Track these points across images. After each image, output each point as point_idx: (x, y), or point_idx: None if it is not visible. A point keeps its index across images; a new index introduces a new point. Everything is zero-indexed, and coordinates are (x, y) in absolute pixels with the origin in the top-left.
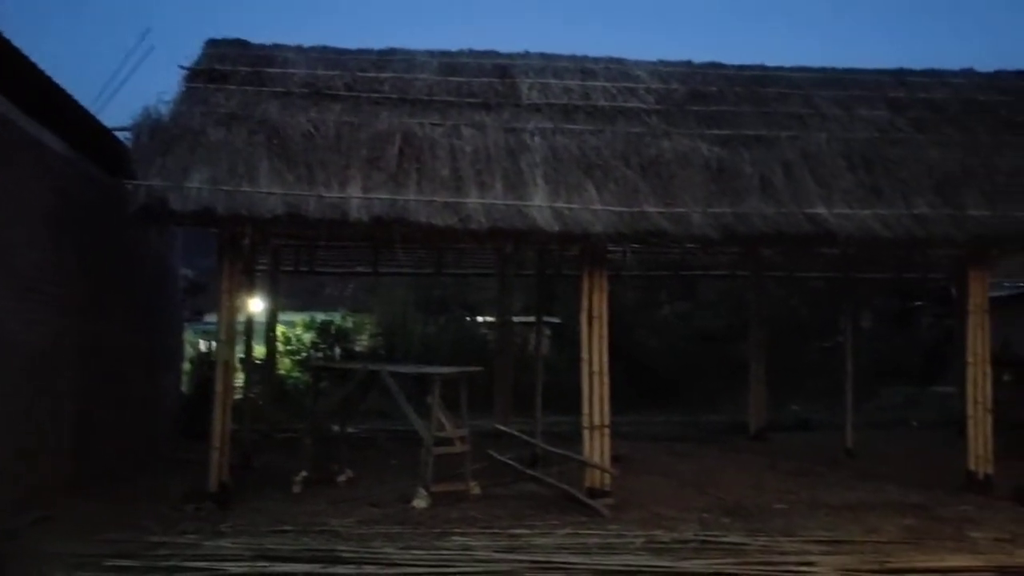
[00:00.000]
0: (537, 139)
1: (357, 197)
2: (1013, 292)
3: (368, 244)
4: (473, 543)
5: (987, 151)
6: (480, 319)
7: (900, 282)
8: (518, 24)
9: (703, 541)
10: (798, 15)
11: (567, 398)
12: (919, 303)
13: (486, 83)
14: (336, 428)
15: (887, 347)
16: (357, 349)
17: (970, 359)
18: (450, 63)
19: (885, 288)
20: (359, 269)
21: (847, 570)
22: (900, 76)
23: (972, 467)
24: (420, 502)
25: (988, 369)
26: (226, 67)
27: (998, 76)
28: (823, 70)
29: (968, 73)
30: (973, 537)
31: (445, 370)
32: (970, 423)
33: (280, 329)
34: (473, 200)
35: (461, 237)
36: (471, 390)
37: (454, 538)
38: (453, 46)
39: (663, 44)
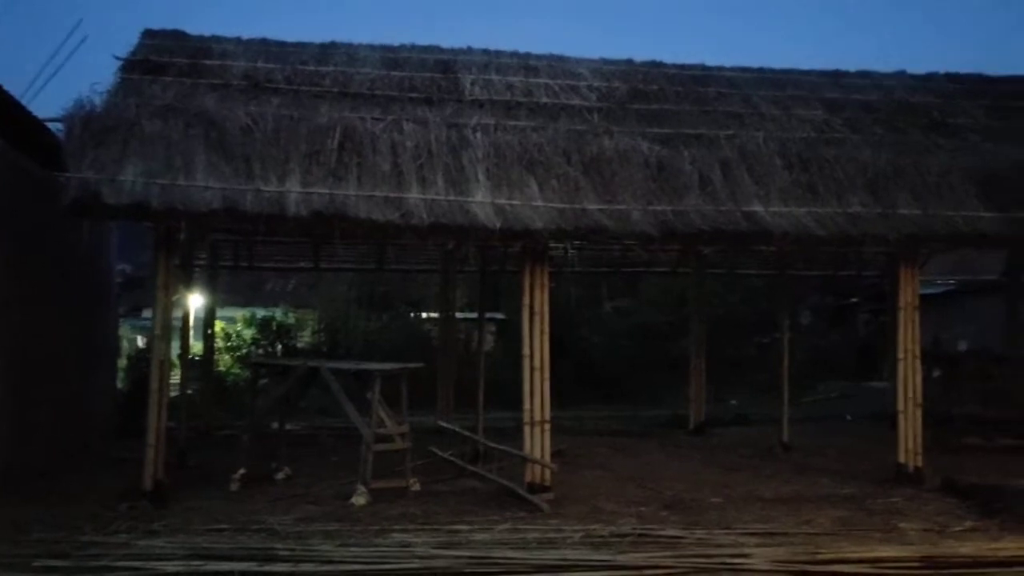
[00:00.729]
0: (479, 135)
1: (296, 192)
2: (945, 289)
3: (309, 239)
4: (412, 539)
5: (918, 151)
6: (424, 315)
7: (836, 280)
8: (517, 25)
9: (641, 535)
10: (801, 17)
11: (510, 394)
12: (854, 300)
13: (429, 78)
14: (275, 425)
15: (824, 343)
16: (299, 345)
17: (901, 355)
18: (392, 57)
19: (822, 286)
20: (300, 265)
21: (780, 562)
22: (836, 77)
23: (902, 460)
24: (359, 499)
25: (918, 364)
26: (163, 58)
27: (929, 79)
28: (762, 71)
29: (900, 75)
30: (902, 528)
31: (386, 366)
32: (900, 417)
33: (220, 325)
34: (414, 196)
35: (402, 233)
36: (414, 386)
37: (393, 535)
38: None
39: (663, 46)
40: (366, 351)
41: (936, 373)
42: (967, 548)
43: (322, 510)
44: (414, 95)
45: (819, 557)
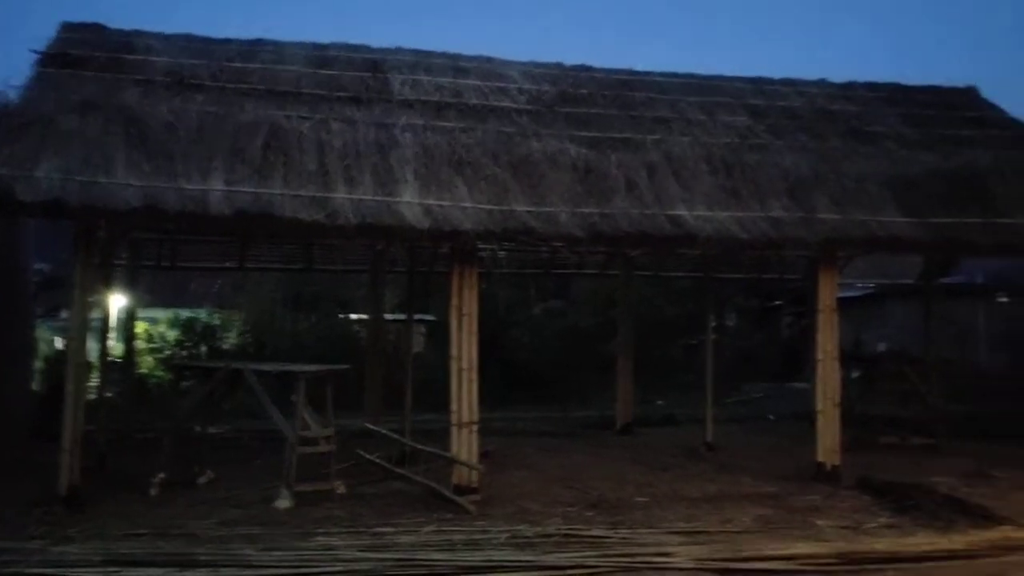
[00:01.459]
0: (408, 135)
1: (219, 190)
2: (865, 292)
3: (234, 239)
4: (336, 542)
5: (837, 157)
6: (353, 316)
7: (760, 282)
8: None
9: (566, 535)
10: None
11: (441, 395)
12: (778, 303)
13: (357, 77)
14: (198, 428)
15: (748, 344)
16: (225, 347)
17: (820, 356)
18: (320, 56)
19: (746, 288)
20: (226, 265)
21: (702, 560)
22: (759, 84)
23: (821, 459)
24: (283, 502)
25: (837, 366)
26: (82, 52)
27: (849, 87)
28: (689, 76)
29: (822, 83)
30: (820, 525)
31: (310, 368)
32: (820, 417)
33: (142, 326)
34: (341, 195)
35: (329, 233)
36: (342, 389)
37: (317, 538)
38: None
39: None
40: (294, 353)
41: (856, 374)
42: (881, 544)
43: (245, 514)
44: (342, 94)
45: (740, 555)
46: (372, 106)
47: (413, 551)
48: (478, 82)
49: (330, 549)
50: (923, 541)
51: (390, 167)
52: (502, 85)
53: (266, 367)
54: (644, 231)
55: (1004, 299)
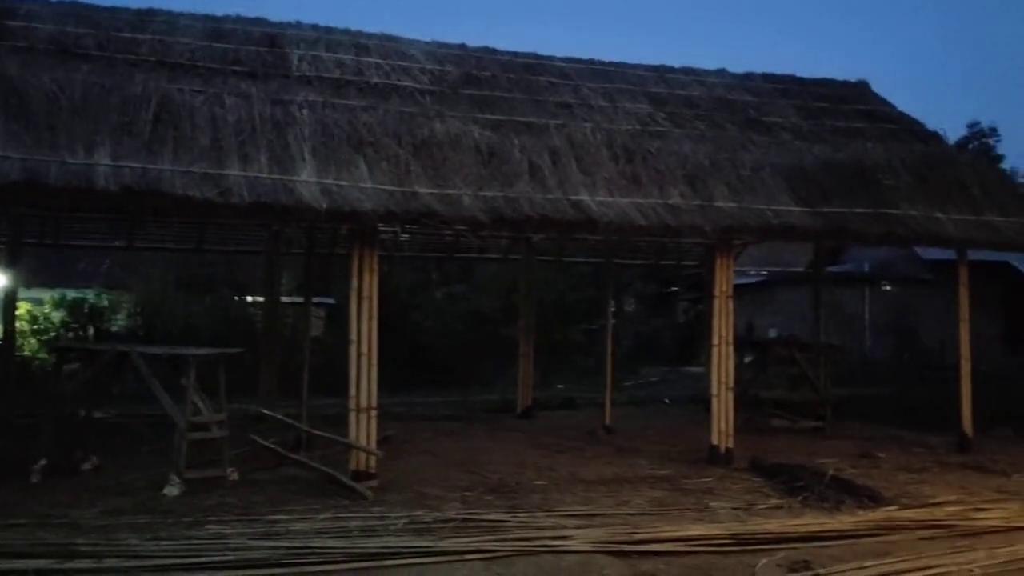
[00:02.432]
0: (306, 112)
1: (105, 164)
2: (758, 280)
3: (123, 216)
4: (227, 531)
5: (735, 147)
6: (248, 299)
7: (658, 268)
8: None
9: (465, 519)
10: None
11: (338, 380)
12: (675, 289)
13: (253, 51)
14: (82, 412)
15: (646, 329)
16: (113, 329)
17: (715, 341)
18: (215, 28)
19: (644, 274)
20: (114, 244)
21: (599, 542)
22: (661, 72)
23: (715, 441)
24: (172, 490)
25: (731, 351)
26: None
27: (748, 77)
28: (591, 62)
29: (721, 73)
30: (713, 507)
31: (202, 351)
32: (714, 401)
33: (25, 307)
34: (235, 173)
35: (221, 212)
36: (236, 373)
37: (207, 526)
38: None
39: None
40: (186, 336)
41: (748, 359)
42: (772, 525)
43: (131, 502)
44: (238, 68)
45: (636, 537)
46: (269, 81)
47: (308, 539)
48: (380, 60)
49: (221, 538)
50: (812, 521)
51: (287, 145)
52: (405, 64)
53: (155, 350)
54: (547, 216)
55: (887, 287)
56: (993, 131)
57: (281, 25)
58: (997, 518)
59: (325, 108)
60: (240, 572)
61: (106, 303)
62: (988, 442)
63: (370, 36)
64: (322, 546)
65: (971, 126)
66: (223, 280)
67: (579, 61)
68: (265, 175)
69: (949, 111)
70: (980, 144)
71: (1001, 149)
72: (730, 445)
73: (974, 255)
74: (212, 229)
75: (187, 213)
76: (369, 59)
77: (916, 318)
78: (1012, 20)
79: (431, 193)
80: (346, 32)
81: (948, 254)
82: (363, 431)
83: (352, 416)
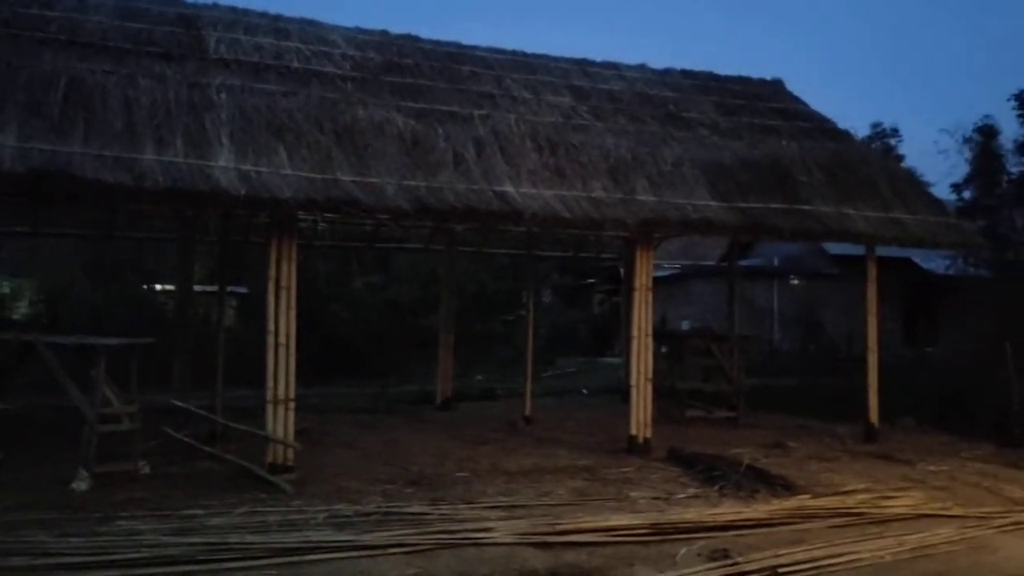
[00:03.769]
0: (224, 96)
1: (11, 146)
2: (671, 273)
3: (27, 200)
4: (140, 527)
5: (655, 141)
6: (158, 287)
7: (576, 260)
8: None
9: (386, 513)
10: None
11: (252, 371)
12: (591, 281)
13: (168, 32)
14: None
15: (562, 320)
16: (15, 318)
17: (635, 332)
18: (128, 7)
19: (561, 266)
20: (16, 229)
21: (522, 534)
22: (583, 66)
23: (634, 432)
24: (81, 484)
25: (650, 342)
26: None
27: (667, 73)
28: (514, 53)
29: (641, 68)
30: (633, 496)
31: (112, 341)
32: (633, 392)
33: None
34: (149, 157)
35: (135, 197)
36: (147, 364)
37: (119, 522)
38: None
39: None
40: (92, 324)
41: (664, 350)
42: (690, 514)
43: (38, 497)
44: (152, 49)
45: (558, 528)
46: (184, 63)
47: (224, 534)
48: (300, 45)
49: (134, 534)
50: (729, 510)
51: (204, 129)
52: (326, 50)
53: (62, 339)
54: (472, 206)
55: (795, 281)
56: (895, 131)
57: (197, 6)
58: (904, 506)
59: (244, 92)
60: (154, 570)
61: (7, 290)
62: (893, 432)
63: (290, 20)
64: (240, 541)
65: (874, 126)
66: (132, 267)
67: (502, 52)
68: (181, 160)
69: (852, 111)
70: (882, 144)
71: (902, 149)
72: (648, 435)
73: (878, 250)
74: (122, 215)
75: (99, 198)
76: (289, 43)
77: (822, 311)
78: (913, 22)
79: (353, 181)
80: (264, 15)
81: (853, 249)
82: (280, 423)
83: (269, 408)
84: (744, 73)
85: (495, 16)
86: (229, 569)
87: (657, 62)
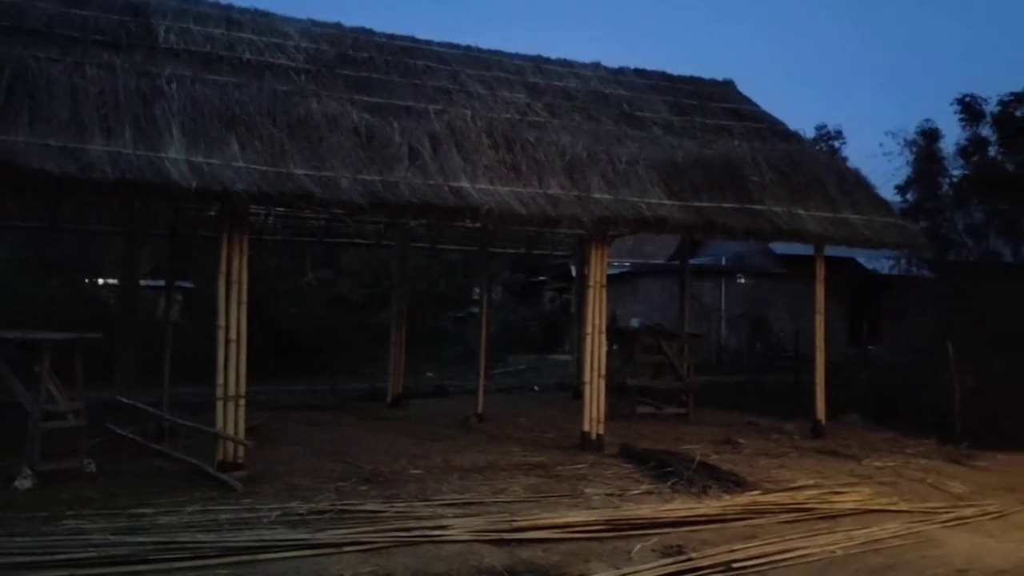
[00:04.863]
0: (174, 87)
1: None
2: (621, 271)
3: None
4: (87, 526)
5: (610, 140)
6: (102, 281)
7: (526, 258)
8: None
9: (340, 511)
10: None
11: (200, 367)
12: (542, 278)
13: (116, 21)
14: None
15: (513, 317)
16: None
17: (588, 330)
18: None
19: (512, 263)
20: None
21: (478, 531)
22: (538, 63)
23: (587, 428)
24: (24, 482)
25: (603, 339)
26: None
27: (621, 72)
28: (468, 48)
29: (595, 66)
30: (587, 493)
31: (56, 336)
32: (587, 388)
33: None
34: (97, 147)
35: (82, 188)
36: (91, 359)
37: (65, 521)
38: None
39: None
40: (33, 320)
41: (614, 347)
42: (645, 510)
43: None
44: (99, 37)
45: (515, 525)
46: (134, 53)
47: (174, 532)
48: (253, 36)
49: (80, 533)
50: (682, 507)
51: (154, 120)
52: (279, 42)
53: (5, 334)
54: (428, 201)
55: (742, 280)
56: (839, 133)
57: None
58: (852, 501)
59: (195, 83)
60: (103, 570)
61: None
62: (839, 428)
63: (242, 11)
64: (190, 540)
65: (819, 128)
66: (75, 261)
67: (457, 47)
68: (130, 150)
69: (797, 113)
70: (827, 146)
71: (845, 151)
72: (601, 432)
73: (825, 250)
74: (67, 206)
75: (44, 189)
76: (241, 34)
77: (768, 309)
78: (858, 26)
79: (307, 175)
80: (216, 5)
81: (798, 248)
82: (231, 420)
83: (219, 404)
84: (693, 73)
85: (442, 10)
86: (180, 568)
87: (607, 61)
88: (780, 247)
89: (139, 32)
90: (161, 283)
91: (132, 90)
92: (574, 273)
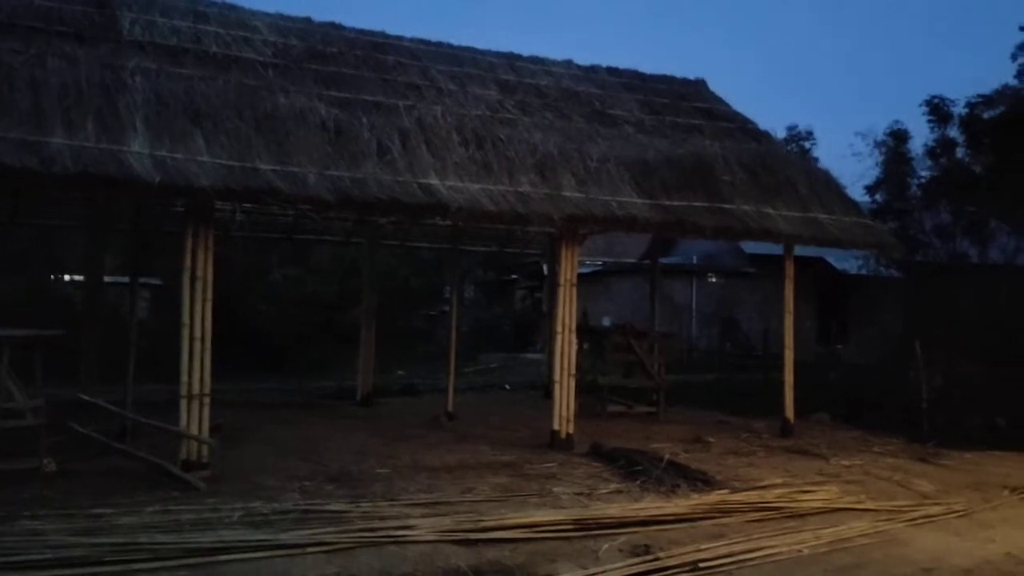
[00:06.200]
0: (139, 80)
1: None
2: (593, 270)
3: None
4: (44, 527)
5: (581, 138)
6: (67, 278)
7: (498, 256)
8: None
9: (304, 511)
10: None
11: (166, 365)
12: (514, 276)
13: (80, 12)
14: None
15: (485, 316)
16: None
17: (559, 328)
18: None
19: (484, 261)
20: None
21: (445, 531)
22: (510, 60)
23: (557, 427)
24: None
25: (574, 338)
26: None
27: (593, 70)
28: (440, 44)
29: (568, 64)
30: (556, 492)
31: (16, 332)
32: (556, 387)
33: None
34: (59, 140)
35: (42, 182)
36: (55, 357)
37: (21, 522)
38: None
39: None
40: None
41: (585, 346)
42: (613, 509)
43: None
44: (63, 29)
45: (482, 524)
46: (97, 45)
47: (134, 533)
48: (220, 30)
49: (37, 534)
50: (651, 505)
51: (117, 113)
52: (246, 35)
53: None
54: (396, 198)
55: (713, 279)
56: (810, 134)
57: None
58: (820, 500)
59: (160, 76)
60: (59, 571)
61: None
62: (807, 427)
63: (209, 4)
64: (150, 541)
65: (790, 128)
66: (38, 257)
67: (427, 43)
68: (92, 144)
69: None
70: (798, 146)
71: (816, 152)
72: (571, 431)
73: (794, 250)
74: (28, 201)
75: (4, 183)
76: (208, 27)
77: (738, 308)
78: (826, 28)
79: (274, 170)
80: None
81: (769, 248)
82: (195, 418)
83: (183, 403)
84: (665, 72)
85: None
86: (138, 570)
87: (580, 60)
88: (751, 246)
89: (103, 24)
90: (126, 279)
91: (95, 83)
92: (546, 272)
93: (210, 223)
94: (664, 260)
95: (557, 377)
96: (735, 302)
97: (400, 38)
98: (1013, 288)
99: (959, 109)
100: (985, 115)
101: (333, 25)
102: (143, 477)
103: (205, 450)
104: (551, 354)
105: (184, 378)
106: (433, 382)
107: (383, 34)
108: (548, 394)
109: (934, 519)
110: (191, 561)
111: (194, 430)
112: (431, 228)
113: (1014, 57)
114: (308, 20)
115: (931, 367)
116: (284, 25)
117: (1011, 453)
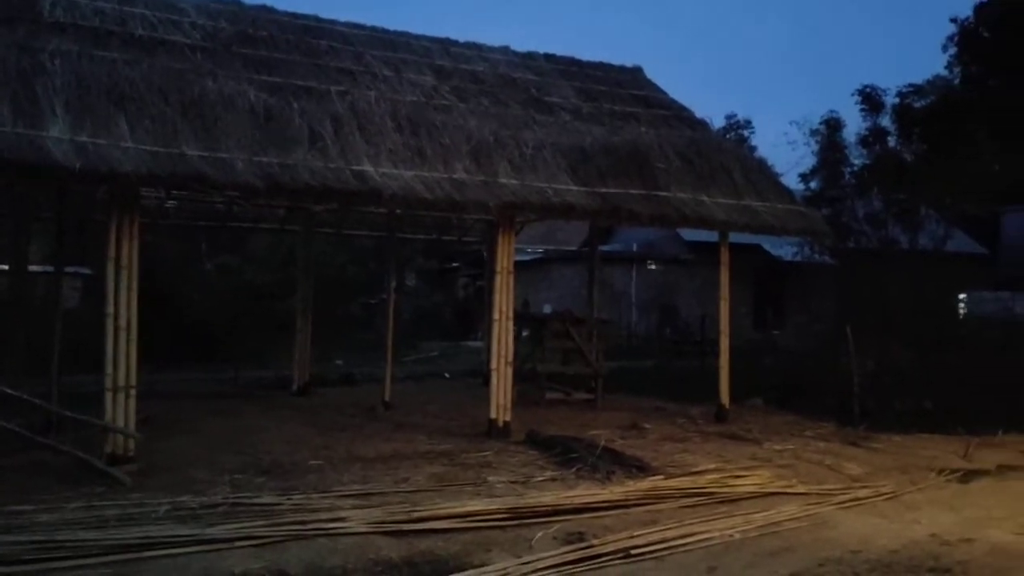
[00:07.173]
0: (59, 63)
1: None
2: (534, 257)
3: None
4: None
5: (517, 125)
6: None
7: (440, 244)
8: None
9: (234, 504)
10: None
11: (98, 356)
12: (455, 265)
13: None
14: None
15: (426, 304)
16: None
17: (496, 316)
18: None
19: (426, 249)
20: None
21: (376, 523)
22: (445, 45)
23: (494, 415)
24: None
25: (511, 325)
26: None
27: (530, 57)
28: (374, 29)
29: (505, 50)
30: (491, 481)
31: None
32: (494, 375)
33: None
34: None
35: None
36: None
37: None
38: None
39: None
40: None
41: (525, 333)
42: (548, 497)
43: None
44: None
45: (415, 515)
46: (15, 26)
47: (54, 531)
48: (146, 12)
49: None
50: (585, 493)
51: (35, 97)
52: (174, 18)
53: None
54: (328, 185)
55: (652, 266)
56: (748, 123)
57: None
58: (752, 484)
59: (82, 59)
60: None
61: None
62: (742, 412)
63: None
64: (72, 539)
65: (728, 117)
66: None
67: (362, 28)
68: (8, 129)
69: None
70: (736, 135)
71: (754, 140)
72: (508, 419)
73: (731, 236)
74: None
75: None
76: (134, 9)
77: (677, 295)
78: (764, 19)
79: (201, 156)
80: None
81: (707, 235)
82: (121, 411)
83: (108, 395)
84: (603, 59)
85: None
86: (58, 569)
87: (516, 46)
88: (689, 234)
89: (22, 5)
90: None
91: (12, 66)
92: (487, 259)
93: (135, 210)
94: (604, 248)
95: (494, 365)
96: (674, 289)
97: (333, 22)
98: (941, 274)
99: (891, 99)
100: (916, 105)
101: (264, 8)
102: (68, 473)
103: (132, 444)
104: (490, 342)
105: (109, 370)
106: (372, 371)
107: (316, 18)
108: (486, 382)
109: (862, 502)
110: (114, 558)
111: (120, 423)
112: (368, 216)
113: (944, 48)
114: (238, 3)
115: (862, 352)
116: (213, 8)
117: (938, 436)
